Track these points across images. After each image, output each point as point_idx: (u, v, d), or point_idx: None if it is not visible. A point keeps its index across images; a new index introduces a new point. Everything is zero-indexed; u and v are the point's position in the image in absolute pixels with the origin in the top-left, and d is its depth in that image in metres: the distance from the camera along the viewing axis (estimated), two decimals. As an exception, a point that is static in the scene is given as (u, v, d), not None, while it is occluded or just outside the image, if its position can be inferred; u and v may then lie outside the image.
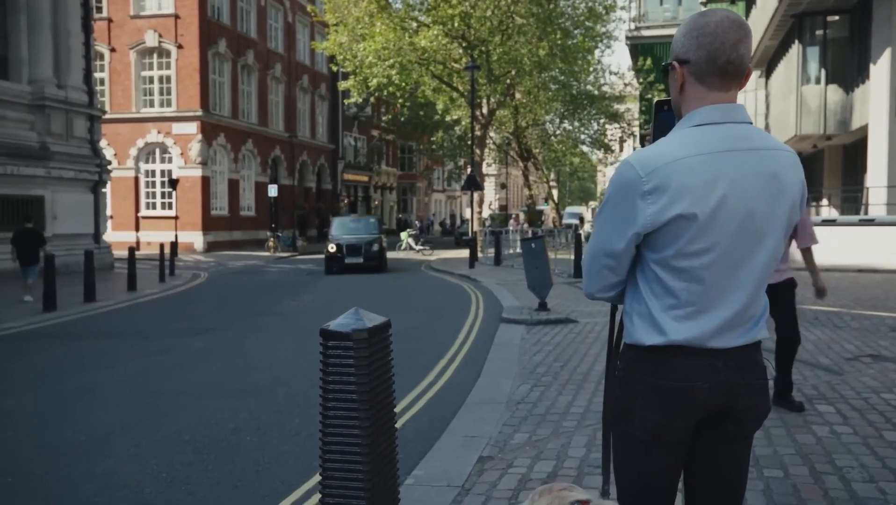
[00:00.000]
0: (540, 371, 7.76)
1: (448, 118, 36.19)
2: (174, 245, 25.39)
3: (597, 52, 33.68)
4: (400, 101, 32.50)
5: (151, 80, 35.43)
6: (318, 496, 3.99)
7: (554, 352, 8.84)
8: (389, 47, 28.01)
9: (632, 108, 41.18)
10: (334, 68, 33.69)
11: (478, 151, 31.25)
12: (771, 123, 28.87)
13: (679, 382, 1.98)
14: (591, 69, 34.15)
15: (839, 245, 16.79)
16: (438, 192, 77.30)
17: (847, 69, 23.13)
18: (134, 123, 34.95)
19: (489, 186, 68.48)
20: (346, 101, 41.62)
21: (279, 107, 43.31)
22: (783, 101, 26.25)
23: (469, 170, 30.48)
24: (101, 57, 33.88)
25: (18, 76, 21.48)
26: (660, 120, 2.25)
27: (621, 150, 46.38)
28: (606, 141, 39.53)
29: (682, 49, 2.02)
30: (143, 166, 35.57)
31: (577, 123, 38.94)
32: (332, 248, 23.85)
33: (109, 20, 34.87)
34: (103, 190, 25.08)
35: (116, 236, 31.14)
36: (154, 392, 7.56)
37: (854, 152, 24.10)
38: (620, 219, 1.99)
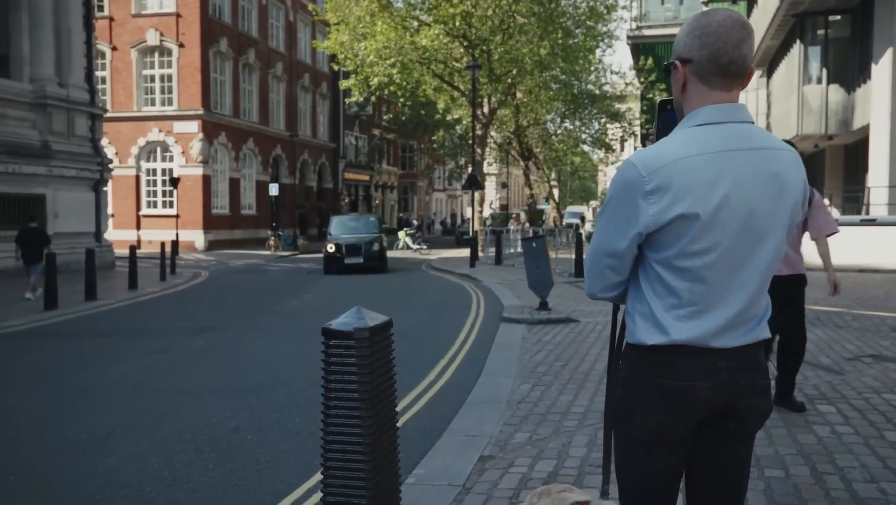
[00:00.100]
0: (541, 370, 7.76)
1: (449, 117, 36.20)
2: (175, 244, 25.39)
3: (598, 52, 33.66)
4: (401, 100, 32.47)
5: (153, 78, 35.44)
6: (318, 495, 4.00)
7: (555, 351, 8.84)
8: (390, 46, 28.02)
9: (633, 107, 41.18)
10: (335, 67, 33.71)
11: (479, 151, 31.25)
12: (772, 123, 28.86)
13: (681, 382, 1.98)
14: (592, 68, 34.14)
15: (840, 245, 16.66)
16: (439, 192, 77.31)
17: (848, 69, 23.12)
18: (135, 122, 34.97)
19: (490, 186, 68.48)
20: (347, 100, 41.59)
21: (280, 106, 43.32)
22: (784, 101, 26.23)
23: (470, 169, 30.50)
24: (103, 55, 33.91)
25: (20, 74, 21.49)
26: (663, 119, 2.25)
27: (622, 149, 46.41)
28: (607, 140, 39.55)
29: (685, 48, 2.02)
30: (145, 165, 35.59)
31: (578, 123, 38.95)
32: (331, 247, 23.23)
33: (111, 19, 34.89)
34: (104, 188, 25.10)
35: (117, 235, 31.14)
36: (155, 391, 7.57)
37: (855, 152, 24.09)
38: (622, 218, 1.99)
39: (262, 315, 13.48)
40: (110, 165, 25.63)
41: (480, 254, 26.43)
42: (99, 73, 28.59)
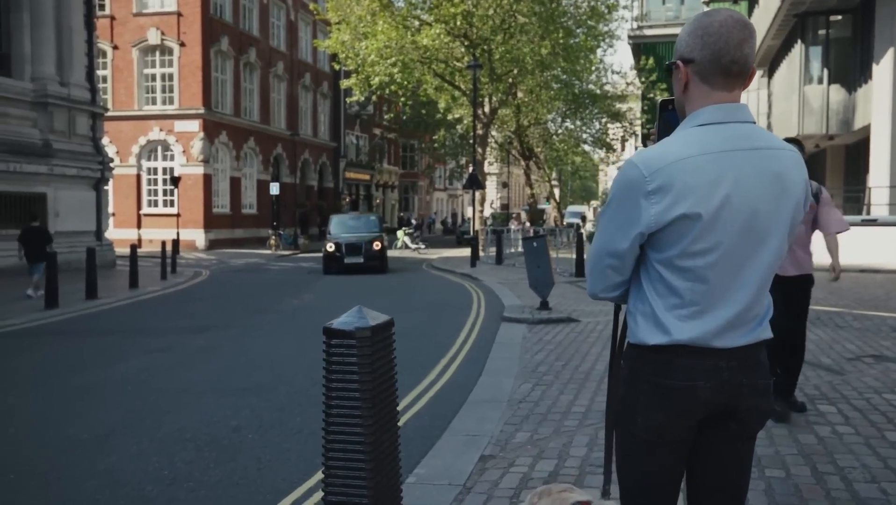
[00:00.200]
0: (541, 370, 7.76)
1: (450, 117, 36.20)
2: (176, 243, 25.38)
3: (599, 52, 33.69)
4: (402, 99, 32.48)
5: (154, 77, 35.45)
6: (318, 494, 4.00)
7: (555, 351, 8.84)
8: (391, 46, 28.03)
9: (634, 107, 41.16)
10: (336, 66, 33.74)
11: (479, 150, 31.25)
12: (773, 123, 28.85)
13: (682, 382, 1.99)
14: (593, 68, 34.16)
15: (841, 245, 16.73)
16: (440, 191, 77.31)
17: (849, 69, 23.11)
18: (136, 121, 34.97)
19: (491, 185, 68.44)
20: (348, 100, 41.61)
21: (281, 105, 43.32)
22: (785, 101, 26.22)
23: (471, 168, 30.50)
24: (104, 54, 33.92)
25: (21, 73, 21.49)
26: (665, 119, 2.25)
27: (623, 149, 46.35)
28: (608, 140, 39.54)
29: (687, 48, 2.02)
30: (146, 164, 35.60)
31: (578, 122, 38.94)
32: (330, 247, 22.66)
33: (112, 18, 34.89)
34: (105, 187, 25.10)
35: (118, 234, 31.14)
36: (155, 390, 7.57)
37: (856, 152, 24.08)
38: (624, 219, 1.99)
39: (262, 314, 13.48)
40: (111, 164, 25.64)
41: (481, 253, 26.42)
42: (100, 72, 28.61)
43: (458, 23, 28.03)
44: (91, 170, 23.60)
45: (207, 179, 35.11)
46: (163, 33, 34.75)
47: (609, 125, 38.90)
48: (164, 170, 35.17)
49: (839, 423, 5.50)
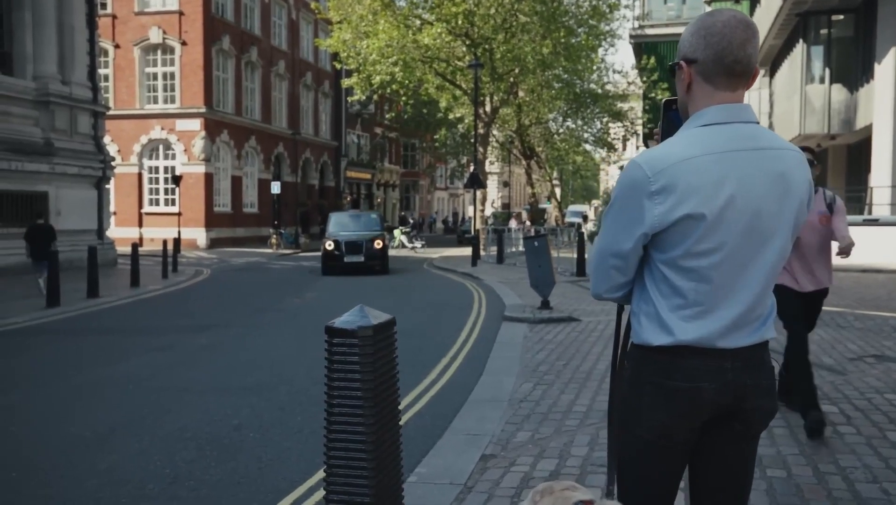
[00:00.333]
0: (542, 369, 7.76)
1: (451, 116, 36.18)
2: (177, 241, 25.40)
3: (600, 51, 33.64)
4: (403, 98, 32.47)
5: (155, 76, 35.47)
6: (319, 493, 4.00)
7: (556, 350, 8.84)
8: (393, 45, 28.01)
9: (635, 106, 41.12)
10: (338, 66, 33.75)
11: (481, 149, 31.24)
12: (775, 123, 28.84)
13: (686, 383, 1.98)
14: (594, 67, 34.12)
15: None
16: (441, 190, 77.31)
17: (851, 68, 23.09)
18: (138, 120, 34.97)
19: (492, 185, 68.47)
20: (349, 99, 41.57)
21: (282, 104, 43.32)
22: (787, 101, 26.20)
23: (472, 168, 30.47)
24: (106, 53, 33.90)
25: (23, 72, 21.50)
26: (669, 119, 2.25)
27: (624, 148, 46.33)
28: (609, 140, 39.47)
29: (690, 48, 2.02)
30: (147, 163, 35.61)
31: (580, 122, 38.88)
32: (329, 245, 21.60)
33: (114, 16, 34.89)
34: (107, 186, 25.11)
35: (120, 232, 31.14)
36: (157, 389, 7.58)
37: (858, 152, 24.07)
38: (628, 219, 1.99)
39: (263, 313, 13.49)
40: (113, 163, 25.66)
41: (482, 253, 26.42)
42: (102, 71, 28.54)
43: (460, 22, 28.01)
44: (92, 168, 23.61)
45: (209, 178, 35.12)
46: (164, 32, 34.75)
47: (610, 125, 38.84)
48: (166, 169, 35.18)
49: (841, 423, 5.49)
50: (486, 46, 29.02)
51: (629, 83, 39.07)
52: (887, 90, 20.28)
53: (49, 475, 5.09)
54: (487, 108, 31.76)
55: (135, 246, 18.61)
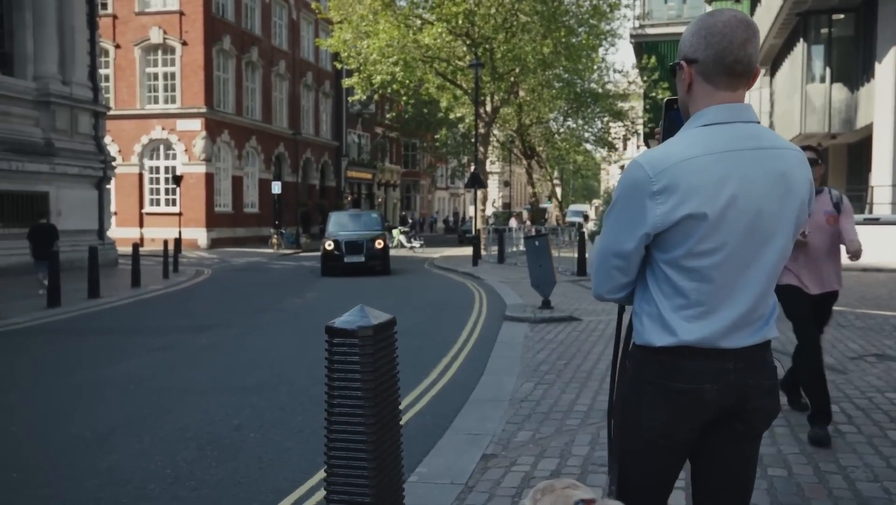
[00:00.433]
0: (543, 369, 7.76)
1: (452, 116, 36.17)
2: (178, 242, 25.41)
3: (601, 50, 33.62)
4: (404, 98, 32.46)
5: (156, 76, 35.48)
6: (320, 493, 4.00)
7: (557, 350, 8.84)
8: (393, 44, 28.00)
9: (636, 106, 41.11)
10: (338, 65, 33.75)
11: (481, 149, 31.23)
12: (775, 122, 28.82)
13: (688, 385, 1.99)
14: (595, 67, 34.09)
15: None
16: (442, 190, 77.30)
17: (852, 68, 23.08)
18: (138, 120, 34.99)
19: (493, 184, 68.45)
20: (349, 99, 41.58)
21: (283, 104, 43.33)
22: (788, 100, 26.19)
23: (473, 167, 30.46)
24: (106, 53, 33.91)
25: (24, 72, 21.51)
26: (670, 119, 2.25)
27: (625, 148, 46.33)
28: (610, 139, 39.45)
29: (691, 48, 2.02)
30: (148, 163, 35.63)
31: (580, 121, 38.86)
32: (329, 245, 20.98)
33: (114, 17, 34.90)
34: (107, 186, 25.12)
35: (120, 233, 31.15)
36: (157, 389, 7.58)
37: (859, 151, 24.05)
38: (630, 219, 1.99)
39: (264, 313, 13.49)
40: (113, 163, 25.66)
41: (483, 252, 26.41)
42: (102, 71, 28.55)
43: (460, 22, 28.00)
44: (93, 169, 23.62)
45: (209, 178, 35.13)
46: (165, 32, 34.76)
47: (611, 124, 38.83)
48: (167, 169, 35.19)
49: (842, 422, 5.49)
50: (487, 46, 29.00)
51: (630, 83, 39.07)
52: (888, 89, 20.27)
53: (49, 475, 5.10)
54: (488, 108, 31.75)
55: (135, 246, 18.61)
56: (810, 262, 5.27)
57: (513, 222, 37.28)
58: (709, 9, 24.34)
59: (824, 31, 23.96)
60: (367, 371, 3.12)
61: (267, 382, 7.76)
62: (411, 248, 35.55)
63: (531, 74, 30.74)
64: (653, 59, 34.22)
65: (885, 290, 14.43)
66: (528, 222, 36.00)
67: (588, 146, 43.81)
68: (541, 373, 7.57)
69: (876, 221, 18.45)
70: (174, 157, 35.21)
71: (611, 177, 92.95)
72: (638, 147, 52.93)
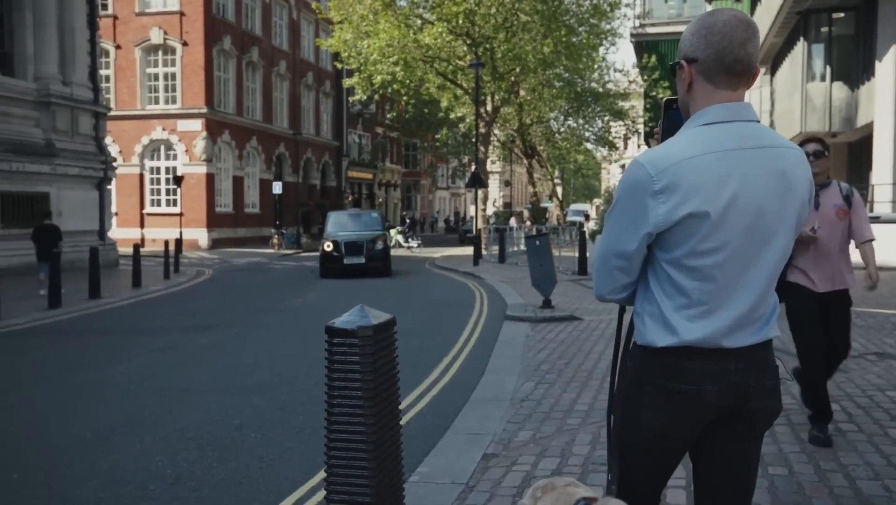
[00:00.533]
0: (544, 368, 7.76)
1: (452, 115, 36.15)
2: (179, 242, 25.40)
3: (601, 50, 33.57)
4: (404, 98, 32.45)
5: (156, 77, 35.48)
6: (321, 494, 4.00)
7: (558, 349, 8.84)
8: (394, 44, 27.99)
9: (636, 105, 41.07)
10: (339, 65, 33.73)
11: (482, 149, 31.22)
12: (776, 121, 28.80)
13: (689, 386, 1.99)
14: (595, 66, 34.04)
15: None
16: (443, 190, 77.29)
17: (852, 66, 23.06)
18: (139, 120, 34.99)
19: (493, 184, 68.44)
20: (350, 99, 41.57)
21: (284, 104, 43.33)
22: (788, 99, 26.17)
23: (473, 167, 30.45)
24: (107, 54, 33.93)
25: (24, 73, 21.52)
26: (669, 118, 2.25)
27: (625, 147, 46.31)
28: (611, 138, 39.43)
29: (691, 48, 2.02)
30: (148, 163, 35.64)
31: (581, 121, 38.82)
32: (328, 246, 20.33)
33: (115, 17, 34.91)
34: (108, 187, 25.12)
35: (121, 233, 31.16)
36: (158, 389, 7.58)
37: (859, 150, 24.03)
38: (631, 219, 1.98)
39: (265, 313, 13.49)
40: (114, 164, 25.66)
41: (484, 252, 26.41)
42: (103, 72, 28.55)
43: (461, 21, 27.98)
44: (94, 169, 23.62)
45: (210, 179, 35.14)
46: (165, 33, 34.77)
47: (611, 123, 38.80)
48: (167, 169, 35.20)
49: (842, 420, 5.49)
50: (487, 46, 28.99)
51: (630, 82, 39.04)
52: (888, 88, 20.25)
53: (50, 475, 5.10)
54: (489, 108, 31.73)
55: (136, 247, 18.60)
56: (819, 257, 4.99)
57: (513, 222, 37.29)
58: (709, 8, 24.32)
59: (824, 29, 23.94)
60: (367, 371, 3.12)
61: (268, 382, 7.76)
62: (409, 247, 35.57)
63: (532, 74, 30.72)
64: (653, 59, 34.20)
65: (885, 288, 14.39)
66: (529, 222, 36.00)
67: (589, 145, 43.79)
68: (542, 372, 7.56)
69: (876, 220, 18.43)
70: (175, 157, 35.22)
71: (611, 176, 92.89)
72: (639, 146, 52.90)
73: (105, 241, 23.74)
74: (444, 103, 32.73)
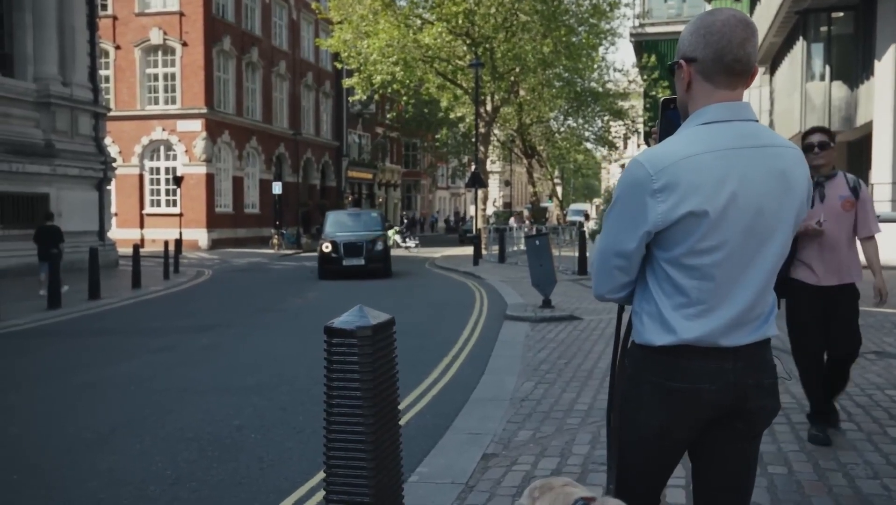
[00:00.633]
0: (544, 368, 7.76)
1: (452, 115, 36.15)
2: (178, 242, 25.41)
3: (601, 49, 33.56)
4: (404, 98, 32.45)
5: (156, 77, 35.48)
6: (321, 494, 4.00)
7: (558, 349, 8.84)
8: (393, 44, 27.99)
9: (636, 104, 41.08)
10: (339, 66, 33.74)
11: (482, 149, 31.22)
12: (775, 120, 28.80)
13: (686, 384, 1.99)
14: (595, 66, 34.05)
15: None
16: (443, 190, 77.30)
17: (852, 66, 23.06)
18: (139, 121, 34.99)
19: (493, 184, 68.42)
20: (350, 99, 41.59)
21: (283, 104, 43.33)
22: (787, 98, 26.17)
23: (473, 167, 30.45)
24: (106, 54, 33.92)
25: (24, 73, 21.51)
26: (667, 118, 2.25)
27: (625, 147, 46.30)
28: (610, 138, 39.44)
29: (690, 47, 2.02)
30: (148, 164, 35.64)
31: (581, 120, 38.82)
32: (326, 246, 19.92)
33: (114, 17, 34.91)
34: (108, 187, 25.11)
35: (121, 234, 31.17)
36: (158, 389, 7.58)
37: (858, 149, 24.03)
38: (631, 218, 1.99)
39: (265, 313, 13.49)
40: (114, 164, 25.65)
41: (484, 252, 26.42)
42: (102, 72, 28.54)
43: (460, 21, 27.99)
44: (94, 170, 23.62)
45: (210, 179, 35.14)
46: (165, 33, 34.77)
47: (611, 123, 38.80)
48: (167, 169, 35.20)
49: (842, 419, 5.48)
50: (487, 46, 28.99)
51: (630, 81, 39.06)
52: (887, 87, 20.26)
53: (50, 476, 5.10)
54: (488, 108, 31.73)
55: (136, 247, 18.61)
56: (825, 251, 4.81)
57: (513, 222, 37.30)
58: (708, 7, 24.35)
59: (824, 29, 23.95)
60: (366, 371, 3.12)
61: (268, 382, 7.76)
62: (406, 247, 35.57)
63: (531, 74, 30.72)
64: (653, 58, 34.19)
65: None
66: (529, 222, 36.01)
67: (588, 145, 43.79)
68: (541, 372, 7.57)
69: (876, 219, 18.43)
70: (174, 157, 35.22)
71: (611, 176, 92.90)
72: (638, 146, 52.88)
73: (105, 242, 23.74)
74: (443, 103, 32.73)
